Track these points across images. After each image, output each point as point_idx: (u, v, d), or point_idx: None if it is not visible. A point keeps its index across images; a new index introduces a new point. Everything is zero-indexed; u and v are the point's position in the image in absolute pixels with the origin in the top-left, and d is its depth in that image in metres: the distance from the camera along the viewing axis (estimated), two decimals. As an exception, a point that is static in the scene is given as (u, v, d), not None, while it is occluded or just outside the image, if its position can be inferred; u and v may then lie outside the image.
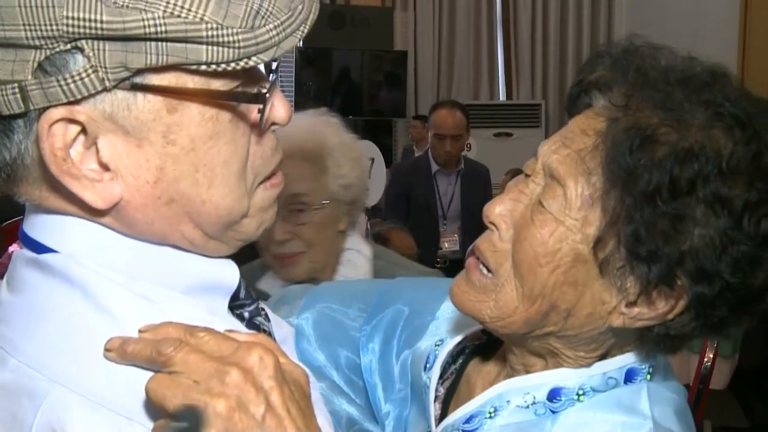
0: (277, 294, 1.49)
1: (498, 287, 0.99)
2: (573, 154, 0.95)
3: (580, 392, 1.00)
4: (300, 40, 0.79)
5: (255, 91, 0.80)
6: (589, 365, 1.01)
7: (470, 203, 5.45)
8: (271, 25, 0.75)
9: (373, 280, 1.74)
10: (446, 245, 5.45)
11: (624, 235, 0.91)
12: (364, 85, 9.55)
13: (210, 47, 0.73)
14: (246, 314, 0.93)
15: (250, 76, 0.80)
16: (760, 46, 8.40)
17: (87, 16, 0.70)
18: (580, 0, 9.97)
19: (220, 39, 0.73)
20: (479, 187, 5.55)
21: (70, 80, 0.72)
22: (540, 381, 1.02)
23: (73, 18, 0.70)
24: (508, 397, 1.03)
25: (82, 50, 0.72)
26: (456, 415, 1.07)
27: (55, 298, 0.79)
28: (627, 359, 1.01)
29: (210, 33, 0.73)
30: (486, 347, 1.16)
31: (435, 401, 1.14)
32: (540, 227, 0.95)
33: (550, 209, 0.95)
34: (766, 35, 8.34)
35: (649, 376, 1.02)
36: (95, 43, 0.72)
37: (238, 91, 0.79)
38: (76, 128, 0.75)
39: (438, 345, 1.17)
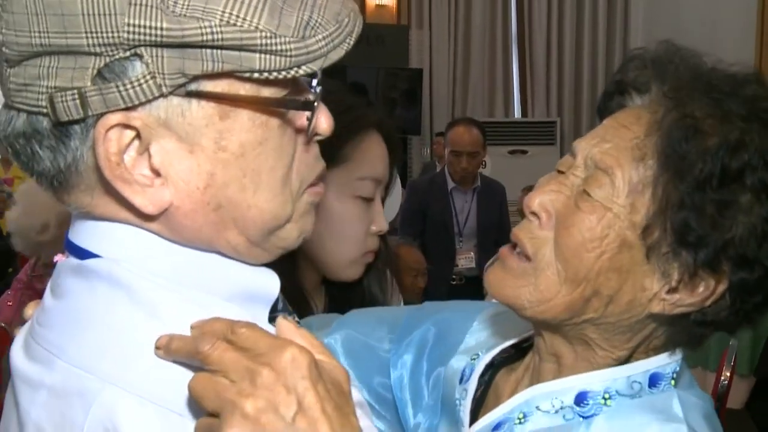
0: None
1: (537, 271, 1.00)
2: (619, 146, 0.97)
3: (606, 396, 1.01)
4: (346, 52, 0.81)
5: (303, 99, 0.83)
6: (617, 361, 1.03)
7: (486, 221, 5.45)
8: (320, 36, 0.78)
9: (400, 307, 1.74)
10: (462, 262, 5.45)
11: (673, 221, 0.94)
12: (379, 103, 9.57)
13: (263, 55, 0.76)
14: None
15: (296, 85, 0.82)
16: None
17: (148, 23, 0.72)
18: (596, 18, 9.98)
19: (274, 48, 0.75)
20: (495, 205, 5.54)
21: (129, 86, 0.74)
22: (566, 385, 1.03)
23: (134, 25, 0.72)
24: (536, 403, 1.04)
25: (141, 57, 0.74)
26: (484, 422, 1.08)
27: (101, 301, 0.81)
28: (651, 363, 1.03)
29: (264, 41, 0.75)
30: (514, 359, 1.17)
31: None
32: (588, 213, 0.97)
33: (597, 197, 0.97)
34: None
35: (673, 382, 1.03)
36: (154, 50, 0.74)
37: (289, 99, 0.82)
38: (130, 134, 0.77)
39: (474, 359, 1.18)
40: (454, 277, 5.38)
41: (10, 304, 5.60)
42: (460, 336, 1.24)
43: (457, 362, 1.20)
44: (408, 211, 5.35)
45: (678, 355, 1.05)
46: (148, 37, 0.73)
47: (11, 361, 0.88)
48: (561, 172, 1.04)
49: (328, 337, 1.33)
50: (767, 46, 8.57)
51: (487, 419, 1.08)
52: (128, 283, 0.80)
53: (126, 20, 0.72)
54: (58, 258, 0.89)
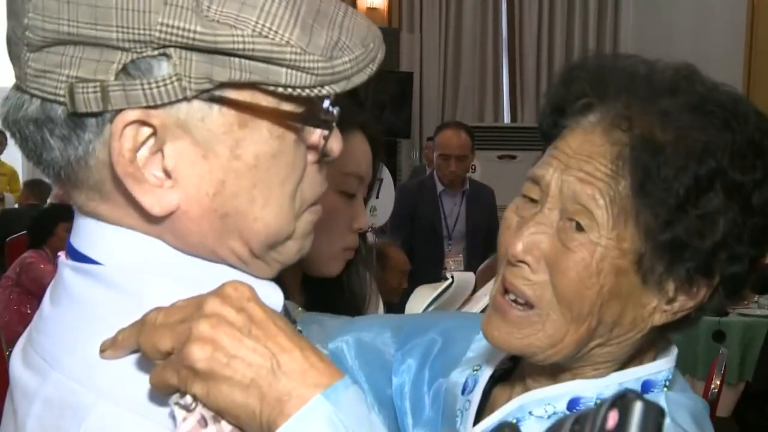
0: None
1: (543, 318, 0.99)
2: (593, 177, 0.96)
3: (598, 402, 1.00)
4: (368, 76, 0.82)
5: (322, 117, 0.83)
6: (617, 367, 1.04)
7: (475, 224, 5.46)
8: (346, 58, 0.78)
9: (403, 315, 1.74)
10: (451, 265, 5.45)
11: (664, 244, 0.95)
12: (368, 106, 9.56)
13: (290, 71, 0.75)
14: None
15: (311, 103, 0.82)
16: (765, 65, 8.42)
17: (181, 24, 0.72)
18: (586, 23, 10.02)
19: (301, 64, 0.75)
20: (484, 208, 5.55)
21: (153, 85, 0.73)
22: (559, 392, 1.03)
23: (167, 25, 0.72)
24: (529, 408, 1.04)
25: (168, 57, 0.73)
26: (479, 429, 1.08)
27: (97, 310, 0.80)
28: (644, 371, 1.03)
29: (293, 57, 0.75)
30: (511, 371, 1.17)
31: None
32: (579, 252, 0.96)
33: (583, 233, 0.96)
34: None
35: (666, 389, 1.04)
36: (183, 52, 0.73)
37: (309, 116, 0.81)
38: (147, 131, 0.76)
39: (476, 370, 1.18)
40: (442, 280, 5.37)
41: (-2, 301, 5.58)
42: (463, 347, 1.24)
43: (459, 374, 1.20)
44: (397, 214, 5.35)
45: (671, 363, 1.06)
46: (179, 39, 0.72)
47: (10, 368, 0.87)
48: (530, 200, 1.03)
49: (336, 340, 1.32)
50: (756, 48, 8.61)
51: (481, 426, 1.08)
52: (128, 291, 0.80)
53: (159, 19, 0.72)
54: (61, 255, 0.87)
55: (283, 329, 0.74)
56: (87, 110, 0.74)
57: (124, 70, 0.73)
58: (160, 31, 0.72)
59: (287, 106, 0.79)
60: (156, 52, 0.73)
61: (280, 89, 0.76)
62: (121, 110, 0.74)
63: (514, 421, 1.04)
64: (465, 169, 5.47)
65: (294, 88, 0.76)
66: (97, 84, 0.73)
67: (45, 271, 5.63)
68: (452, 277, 1.88)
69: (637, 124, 0.96)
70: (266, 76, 0.75)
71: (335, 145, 0.86)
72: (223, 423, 0.72)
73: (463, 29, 10.14)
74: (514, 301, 1.01)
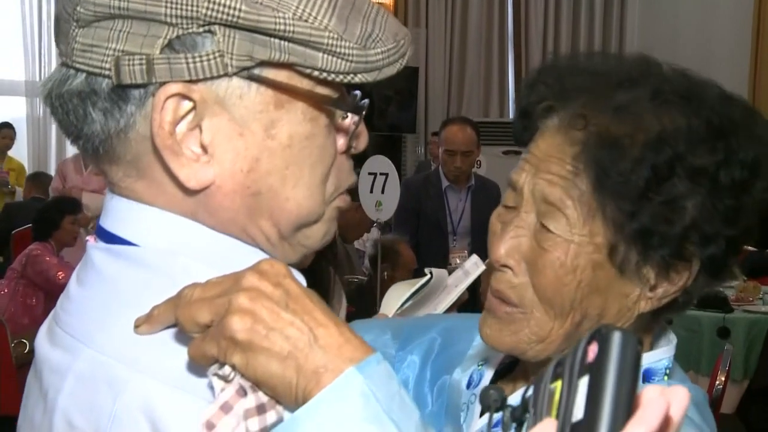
0: None
1: (528, 315, 1.03)
2: (559, 177, 1.00)
3: None
4: (398, 71, 0.84)
5: (355, 104, 0.87)
6: None
7: (480, 220, 5.44)
8: (379, 50, 0.81)
9: (402, 319, 1.74)
10: (455, 261, 5.44)
11: (632, 234, 0.97)
12: (374, 100, 9.56)
13: (326, 55, 0.78)
14: None
15: (342, 92, 0.85)
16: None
17: (228, 3, 0.75)
18: (591, 20, 9.99)
19: (338, 50, 0.78)
20: (489, 204, 5.46)
21: (198, 60, 0.77)
22: None
23: (215, 3, 0.75)
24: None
25: (213, 34, 0.76)
26: (482, 422, 1.10)
27: (132, 287, 0.81)
28: (644, 360, 1.05)
29: (330, 42, 0.78)
30: (514, 365, 1.19)
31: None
32: (553, 251, 0.99)
33: (557, 231, 1.00)
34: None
35: (666, 377, 1.06)
36: (227, 30, 0.76)
37: (343, 101, 0.85)
38: (187, 105, 0.79)
39: (482, 365, 1.20)
40: (447, 276, 5.37)
41: (5, 292, 5.60)
42: (465, 344, 1.26)
43: (464, 369, 1.22)
44: (402, 209, 5.35)
45: (671, 352, 1.08)
46: (225, 16, 0.75)
47: (36, 348, 0.89)
48: (509, 207, 1.06)
49: None
50: (762, 46, 8.58)
51: (486, 418, 1.10)
52: (163, 270, 0.82)
53: None
54: (89, 240, 0.88)
55: (318, 305, 0.76)
56: (131, 82, 0.76)
57: (170, 45, 0.76)
58: (208, 8, 0.75)
59: (322, 90, 0.82)
60: (201, 29, 0.76)
61: (316, 73, 0.79)
62: (163, 83, 0.77)
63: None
64: (470, 164, 5.46)
65: (329, 72, 0.79)
66: (143, 57, 0.76)
67: (50, 264, 5.65)
68: (431, 273, 1.87)
69: (593, 121, 0.99)
70: (304, 58, 0.78)
71: (362, 139, 0.90)
72: (260, 393, 0.74)
73: (469, 24, 10.12)
74: (503, 300, 1.05)
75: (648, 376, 1.05)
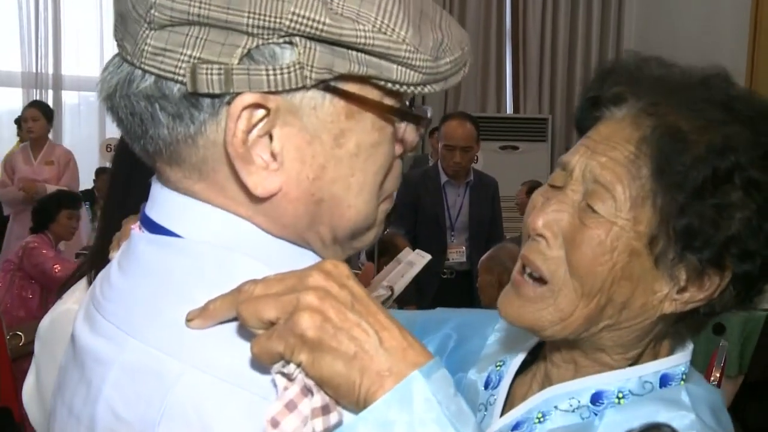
0: None
1: (556, 292, 1.03)
2: (615, 161, 1.01)
3: (620, 395, 1.05)
4: (461, 78, 0.85)
5: (420, 115, 0.87)
6: (630, 360, 1.07)
7: (478, 215, 5.45)
8: (448, 59, 0.82)
9: (413, 311, 1.75)
10: (453, 256, 5.45)
11: (677, 229, 0.98)
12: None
13: (401, 68, 0.79)
14: None
15: (404, 101, 0.86)
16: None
17: (312, 15, 0.75)
18: (589, 15, 9.99)
19: (413, 62, 0.79)
20: (487, 200, 5.54)
21: (278, 72, 0.76)
22: (583, 386, 1.07)
23: (298, 15, 0.75)
24: (555, 402, 1.07)
25: (294, 46, 0.76)
26: (502, 423, 1.11)
27: (182, 280, 0.81)
28: (662, 365, 1.07)
29: (407, 54, 0.78)
30: (529, 364, 1.19)
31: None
32: (595, 228, 1.01)
33: (601, 212, 1.01)
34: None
35: (683, 383, 1.07)
36: (309, 42, 0.76)
37: (410, 111, 0.86)
38: (261, 114, 0.78)
39: (500, 365, 1.20)
40: (445, 270, 5.38)
41: (0, 285, 5.59)
42: (480, 342, 1.27)
43: (480, 369, 1.22)
44: (401, 204, 5.34)
45: (687, 357, 1.09)
46: (307, 29, 0.75)
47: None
48: (555, 187, 1.07)
49: None
50: (760, 43, 8.59)
51: (505, 419, 1.11)
52: (216, 263, 0.81)
53: (291, 8, 0.75)
54: (135, 228, 0.88)
55: (381, 308, 0.77)
56: (208, 91, 0.76)
57: (249, 55, 0.76)
58: (291, 20, 0.74)
59: (389, 101, 0.82)
60: (282, 40, 0.76)
61: (389, 85, 0.80)
62: (240, 92, 0.76)
63: (540, 415, 1.07)
64: (470, 160, 5.45)
65: (401, 84, 0.80)
66: (221, 66, 0.75)
67: (46, 257, 5.65)
68: (391, 289, 1.86)
69: (664, 112, 1.01)
70: (380, 70, 0.78)
71: (416, 144, 0.90)
72: (324, 393, 0.74)
73: (467, 20, 10.10)
74: (530, 276, 1.05)
75: (665, 381, 1.06)
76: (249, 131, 0.78)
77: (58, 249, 5.94)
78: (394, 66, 0.78)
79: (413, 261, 1.85)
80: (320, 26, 0.75)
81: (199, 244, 0.82)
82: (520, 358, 1.19)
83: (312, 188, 0.82)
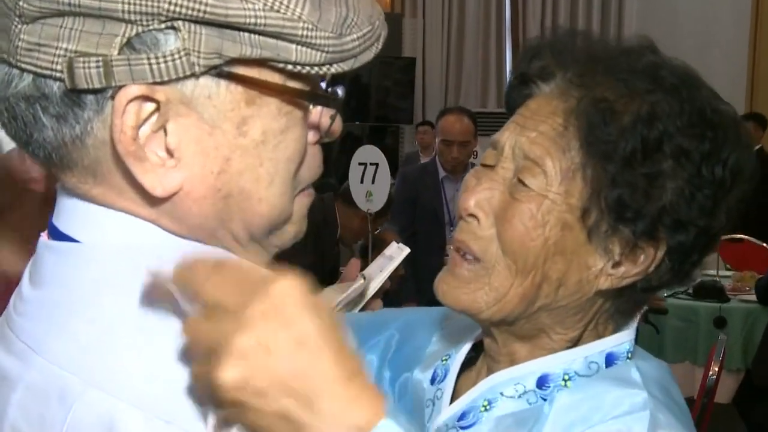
0: None
1: (489, 270, 1.02)
2: (544, 135, 1.00)
3: (566, 377, 1.04)
4: (374, 55, 0.79)
5: (331, 96, 0.81)
6: (571, 342, 1.06)
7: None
8: (355, 35, 0.75)
9: (362, 313, 1.73)
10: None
11: (608, 201, 0.97)
12: (372, 91, 9.56)
13: (300, 47, 0.73)
14: None
15: (316, 82, 0.80)
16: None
17: None
18: (590, 10, 9.97)
19: (312, 41, 0.73)
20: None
21: (161, 60, 0.70)
22: (527, 370, 1.05)
23: None
24: (499, 389, 1.06)
25: (177, 30, 0.69)
26: (448, 414, 1.09)
27: (84, 290, 0.76)
28: (606, 344, 1.06)
29: (304, 33, 0.72)
30: (475, 359, 1.18)
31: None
32: (526, 202, 0.99)
33: (532, 186, 0.99)
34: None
35: (629, 360, 1.06)
36: (193, 26, 0.69)
37: (318, 93, 0.79)
38: (150, 107, 0.72)
39: (446, 360, 1.18)
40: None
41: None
42: (425, 340, 1.24)
43: (425, 368, 1.20)
44: (399, 200, 5.35)
45: (631, 335, 1.09)
46: (189, 12, 0.69)
47: None
48: (487, 166, 1.06)
49: None
50: (761, 31, 8.58)
51: (451, 410, 1.09)
52: (117, 271, 0.75)
53: None
54: (43, 236, 0.83)
55: (331, 346, 0.69)
56: (89, 86, 0.69)
57: (129, 44, 0.69)
58: (170, 3, 0.68)
59: (294, 84, 0.76)
60: (163, 26, 0.69)
61: (290, 66, 0.74)
62: (123, 86, 0.70)
63: (486, 403, 1.06)
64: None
65: (303, 65, 0.74)
66: (99, 58, 0.69)
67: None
68: (364, 277, 1.84)
69: (590, 84, 1.00)
70: (276, 52, 0.72)
71: (337, 125, 0.84)
72: None
73: (467, 14, 10.09)
74: (463, 257, 1.04)
75: (611, 360, 1.06)
76: (138, 126, 0.71)
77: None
78: (293, 46, 0.72)
79: (393, 255, 1.84)
80: (202, 8, 0.68)
81: (97, 249, 0.77)
82: (467, 348, 1.17)
83: (217, 183, 0.75)
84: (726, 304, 5.17)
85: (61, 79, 0.70)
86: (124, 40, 0.69)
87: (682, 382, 5.21)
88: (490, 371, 1.10)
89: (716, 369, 3.76)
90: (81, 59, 0.69)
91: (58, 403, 0.71)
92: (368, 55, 0.78)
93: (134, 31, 0.69)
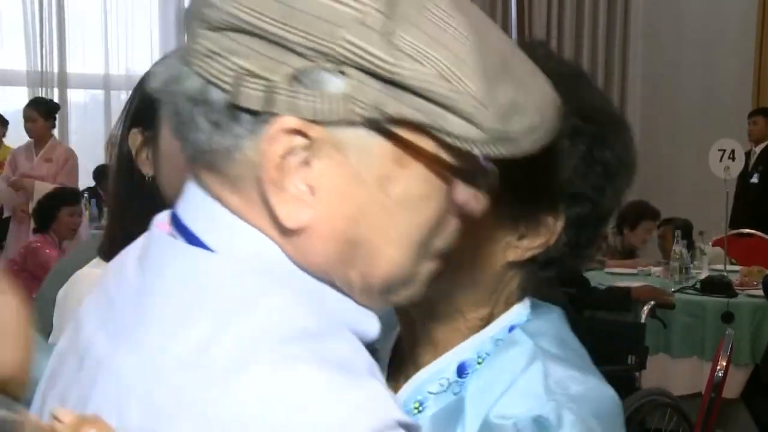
0: None
1: None
2: None
3: (480, 360, 1.07)
4: (540, 146, 0.77)
5: (483, 179, 0.80)
6: (483, 321, 1.08)
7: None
8: (519, 125, 0.74)
9: None
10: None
11: (517, 179, 0.99)
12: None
13: (463, 122, 0.71)
14: None
15: (467, 158, 0.77)
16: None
17: (366, 46, 0.69)
18: (596, 8, 9.94)
19: (475, 119, 0.71)
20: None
21: (325, 101, 0.70)
22: (446, 362, 1.07)
23: (351, 43, 0.69)
24: (426, 388, 1.07)
25: (345, 75, 0.70)
26: None
27: (211, 304, 0.74)
28: (507, 318, 1.09)
29: (471, 109, 0.70)
30: (398, 368, 1.17)
31: None
32: None
33: None
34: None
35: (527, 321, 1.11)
36: (361, 74, 0.69)
37: (465, 170, 0.77)
38: (301, 141, 0.72)
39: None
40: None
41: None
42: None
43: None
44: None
45: (527, 307, 1.11)
46: (361, 61, 0.69)
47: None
48: None
49: None
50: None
51: None
52: (243, 289, 0.74)
53: (345, 35, 0.68)
54: (161, 224, 0.82)
55: None
56: (248, 106, 0.70)
57: (296, 77, 0.70)
58: (344, 48, 0.68)
59: (445, 155, 0.74)
60: (333, 67, 0.69)
61: (447, 138, 0.72)
62: (280, 115, 0.71)
63: (417, 404, 1.06)
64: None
65: (462, 140, 0.72)
66: (266, 83, 0.70)
67: (49, 256, 5.63)
68: None
69: None
70: (437, 120, 0.71)
71: (479, 205, 0.81)
72: None
73: (472, 11, 10.08)
74: None
75: (511, 332, 1.08)
76: (285, 156, 0.72)
77: (63, 248, 5.92)
78: (455, 119, 0.70)
79: None
80: (375, 60, 0.68)
81: (231, 263, 0.76)
82: (390, 344, 1.17)
83: (347, 229, 0.75)
84: (734, 299, 5.13)
85: (227, 91, 0.71)
86: (292, 71, 0.70)
87: (689, 377, 5.17)
88: (417, 367, 1.10)
89: (724, 364, 3.75)
90: (248, 78, 0.70)
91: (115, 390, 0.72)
92: (532, 146, 0.76)
93: (303, 66, 0.69)
